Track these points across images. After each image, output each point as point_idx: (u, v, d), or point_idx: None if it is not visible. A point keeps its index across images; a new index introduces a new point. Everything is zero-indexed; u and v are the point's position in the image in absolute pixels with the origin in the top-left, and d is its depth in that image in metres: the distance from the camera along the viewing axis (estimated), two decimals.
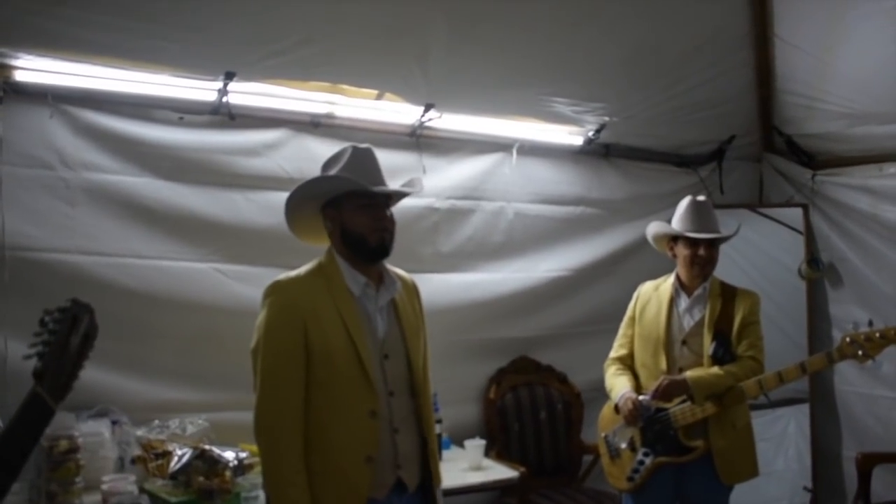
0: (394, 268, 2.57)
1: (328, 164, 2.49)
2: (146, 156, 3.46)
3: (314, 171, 3.65)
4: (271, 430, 2.33)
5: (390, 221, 2.45)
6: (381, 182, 2.44)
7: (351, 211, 2.39)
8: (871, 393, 4.52)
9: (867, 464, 4.13)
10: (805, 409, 4.77)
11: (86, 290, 2.27)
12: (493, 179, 4.32)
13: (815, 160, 4.79)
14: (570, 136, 4.50)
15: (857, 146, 4.55)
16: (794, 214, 4.85)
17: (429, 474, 2.48)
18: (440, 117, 4.03)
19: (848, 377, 4.63)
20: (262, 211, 3.72)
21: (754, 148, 5.11)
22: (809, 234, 4.75)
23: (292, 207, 2.47)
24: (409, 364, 2.47)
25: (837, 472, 4.64)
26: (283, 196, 3.64)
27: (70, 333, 2.01)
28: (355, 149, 2.48)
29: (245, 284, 3.68)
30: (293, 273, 2.46)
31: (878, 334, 3.17)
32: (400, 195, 2.57)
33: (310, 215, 2.48)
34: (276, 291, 2.41)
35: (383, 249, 2.42)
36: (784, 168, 4.96)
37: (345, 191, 2.39)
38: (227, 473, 3.11)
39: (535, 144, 4.43)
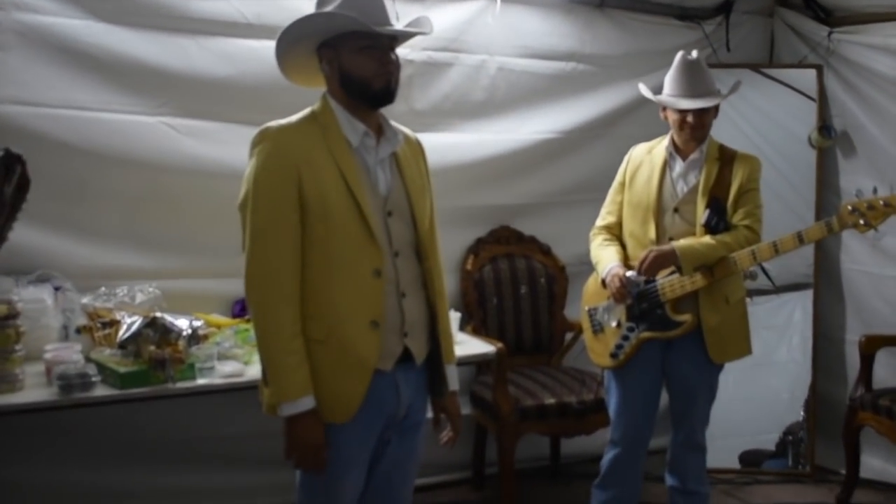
0: (396, 123, 2.44)
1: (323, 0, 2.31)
2: None
3: (276, 15, 3.54)
4: (264, 291, 2.21)
5: (395, 66, 2.28)
6: (386, 21, 2.26)
7: (351, 53, 2.23)
8: (882, 273, 4.38)
9: (871, 347, 4.11)
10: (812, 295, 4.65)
11: (18, 143, 2.04)
12: (474, 30, 4.11)
13: (832, 16, 4.52)
14: None
15: (880, 1, 4.27)
16: (807, 77, 4.59)
17: (437, 347, 2.40)
18: None
19: (857, 256, 4.47)
20: (218, 59, 3.59)
21: (766, 1, 4.85)
22: (822, 99, 4.50)
23: (284, 47, 2.29)
24: (414, 224, 2.35)
25: (839, 357, 4.54)
26: (240, 43, 3.56)
27: (2, 184, 1.91)
28: None
29: (198, 140, 3.60)
30: (283, 120, 2.32)
31: (881, 202, 3.07)
32: (407, 36, 2.41)
33: (304, 56, 2.33)
34: (265, 139, 2.26)
35: (389, 94, 2.27)
36: (798, 24, 4.70)
37: (345, 31, 2.22)
38: (181, 343, 3.09)
39: None
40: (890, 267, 4.31)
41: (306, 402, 2.19)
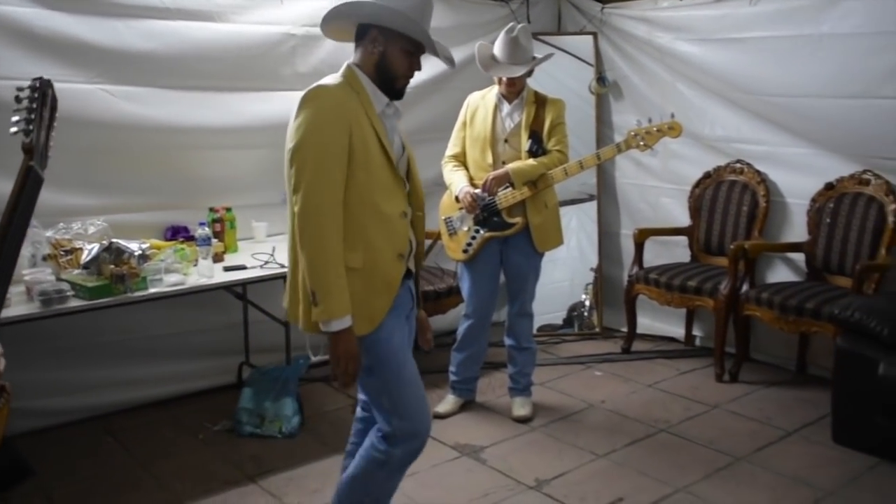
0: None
1: None
2: None
3: (191, 1, 4.19)
4: (322, 222, 2.38)
5: (417, 71, 2.62)
6: (427, 32, 2.56)
7: (397, 49, 2.51)
8: (644, 183, 5.57)
9: (641, 237, 5.24)
10: (586, 207, 5.69)
11: None
12: None
13: None
14: None
15: None
16: (582, 44, 5.62)
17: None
18: None
19: (627, 172, 5.66)
20: (143, 37, 4.14)
21: None
22: (598, 57, 5.59)
23: (346, 10, 2.52)
24: (413, 182, 2.69)
25: (617, 247, 5.74)
26: (161, 24, 4.19)
27: (41, 107, 2.21)
28: None
29: (132, 103, 4.14)
30: (328, 81, 2.54)
31: (655, 128, 4.03)
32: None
33: (350, 21, 2.57)
34: (322, 94, 2.46)
35: (402, 93, 2.61)
36: (578, 2, 5.72)
37: (412, 35, 2.50)
38: (133, 261, 3.59)
39: None
40: (650, 179, 5.51)
41: (349, 320, 2.42)
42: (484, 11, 5.44)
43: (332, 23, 2.60)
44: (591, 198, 5.75)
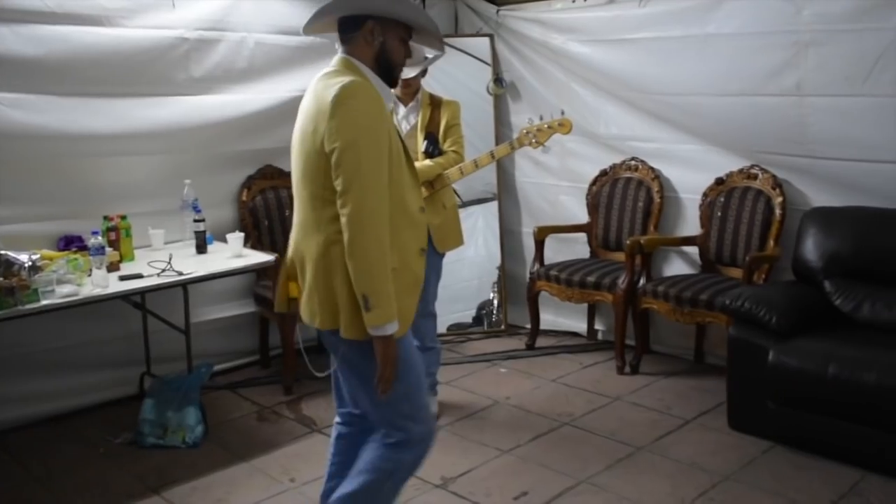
0: None
1: None
2: None
3: (75, 4, 4.13)
4: (379, 224, 2.32)
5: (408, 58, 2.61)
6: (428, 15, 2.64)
7: (395, 40, 2.49)
8: (543, 182, 5.68)
9: (541, 234, 5.33)
10: (491, 206, 5.76)
11: None
12: (235, 12, 4.76)
13: None
14: None
15: None
16: (480, 45, 5.68)
17: None
18: None
19: (526, 171, 5.75)
20: (30, 43, 4.04)
21: None
22: (495, 59, 5.66)
23: (345, 4, 2.45)
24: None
25: (519, 245, 5.82)
26: (48, 29, 4.09)
27: None
28: None
29: (19, 110, 4.04)
30: (355, 77, 2.40)
31: (546, 125, 4.13)
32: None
33: (330, 17, 2.52)
34: (362, 89, 2.36)
35: (396, 84, 2.67)
36: (475, 4, 5.77)
37: (407, 22, 2.50)
38: (23, 273, 3.49)
39: None
40: (549, 178, 5.62)
41: (396, 324, 2.37)
42: None
43: (324, 18, 2.52)
44: (495, 197, 5.82)
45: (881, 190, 4.28)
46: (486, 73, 5.71)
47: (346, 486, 2.65)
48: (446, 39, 5.37)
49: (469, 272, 5.80)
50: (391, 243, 2.38)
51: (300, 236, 2.55)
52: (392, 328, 2.35)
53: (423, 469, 3.67)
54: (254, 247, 4.78)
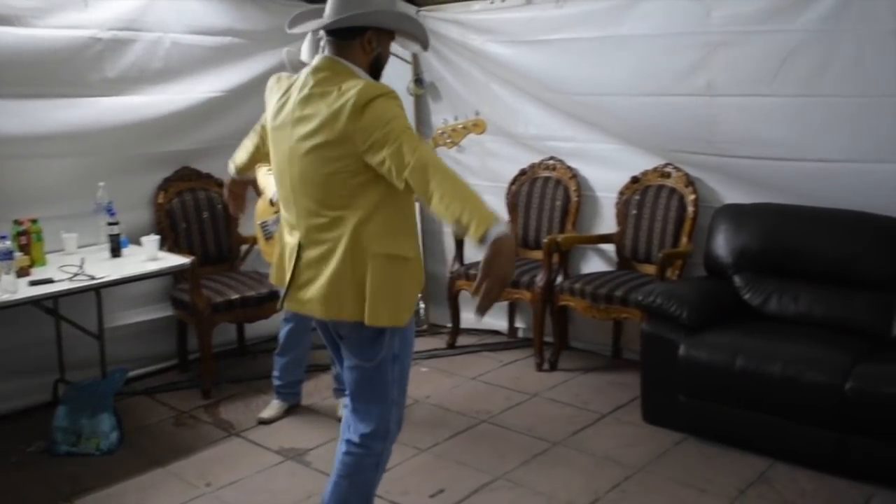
0: None
1: None
2: None
3: None
4: (440, 161, 2.42)
5: None
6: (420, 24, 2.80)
7: (386, 45, 2.67)
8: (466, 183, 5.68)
9: None
10: (419, 207, 5.74)
11: None
12: (150, 12, 4.69)
13: None
14: None
15: None
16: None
17: None
18: None
19: None
20: None
21: None
22: (415, 59, 5.69)
23: (350, 20, 2.54)
24: None
25: (440, 245, 5.86)
26: None
27: None
28: None
29: None
30: (364, 77, 2.55)
31: (461, 125, 3.96)
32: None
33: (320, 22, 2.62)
34: (389, 90, 2.48)
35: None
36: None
37: (394, 29, 2.66)
38: None
39: None
40: (470, 177, 5.32)
41: (501, 224, 2.33)
42: None
43: (313, 22, 2.64)
44: None
45: (788, 187, 4.41)
46: (409, 73, 5.73)
47: (339, 489, 2.80)
48: None
49: None
50: (411, 232, 2.66)
51: (307, 239, 2.64)
52: (498, 229, 2.29)
53: None
54: (171, 250, 4.75)
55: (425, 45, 2.80)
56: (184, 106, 4.92)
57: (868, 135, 4.12)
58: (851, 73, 4.10)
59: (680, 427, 4.08)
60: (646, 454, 3.90)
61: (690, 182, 4.77)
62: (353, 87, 2.42)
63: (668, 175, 4.89)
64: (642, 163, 4.99)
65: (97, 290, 4.09)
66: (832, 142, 4.22)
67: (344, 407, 4.20)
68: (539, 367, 5.03)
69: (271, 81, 2.84)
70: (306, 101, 2.54)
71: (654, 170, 4.94)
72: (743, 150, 4.52)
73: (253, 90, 4.86)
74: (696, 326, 3.99)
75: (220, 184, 5.08)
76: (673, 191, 4.83)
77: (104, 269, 4.06)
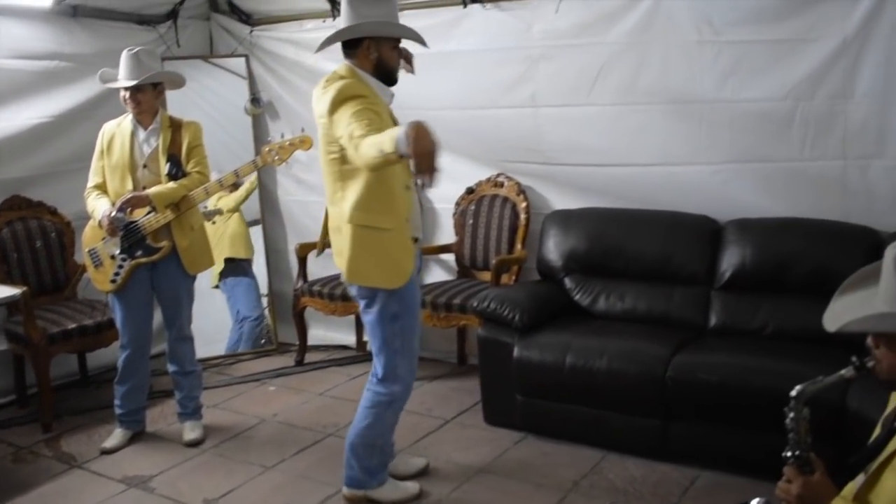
0: None
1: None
2: None
3: None
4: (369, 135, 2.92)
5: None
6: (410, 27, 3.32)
7: (388, 50, 3.25)
8: (307, 199, 5.70)
9: (303, 251, 5.40)
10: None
11: None
12: None
13: (252, 18, 5.68)
14: None
15: (283, 7, 5.52)
16: (239, 63, 5.72)
17: None
18: None
19: (289, 189, 5.82)
20: None
21: (203, 8, 5.81)
22: (251, 79, 5.70)
23: (347, 33, 3.19)
24: None
25: (286, 263, 5.86)
26: None
27: None
28: None
29: None
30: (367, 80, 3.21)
31: (288, 143, 4.17)
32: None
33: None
34: (344, 77, 3.16)
35: (396, 81, 3.34)
36: (228, 25, 5.78)
37: (381, 36, 3.21)
38: None
39: (5, 5, 4.67)
40: (312, 195, 5.58)
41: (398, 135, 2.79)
42: (131, 36, 5.29)
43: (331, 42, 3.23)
44: None
45: (610, 191, 4.65)
46: (245, 87, 5.74)
47: (357, 421, 3.48)
48: (202, 61, 5.63)
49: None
50: (389, 208, 3.19)
51: (332, 211, 3.33)
52: (398, 131, 2.80)
53: (185, 493, 3.76)
54: (2, 281, 4.60)
55: (422, 42, 3.31)
56: (10, 132, 4.79)
57: (677, 139, 4.40)
58: (660, 82, 4.39)
59: (519, 427, 4.23)
60: (486, 455, 4.03)
61: (522, 191, 4.96)
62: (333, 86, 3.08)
63: (501, 185, 5.06)
64: (477, 174, 5.15)
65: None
66: (646, 147, 4.49)
67: (191, 430, 4.30)
68: None
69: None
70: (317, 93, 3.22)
71: (488, 180, 5.12)
72: (567, 158, 4.75)
73: (83, 115, 5.00)
74: (529, 328, 4.15)
75: (52, 211, 5.01)
76: (506, 200, 5.01)
77: None
